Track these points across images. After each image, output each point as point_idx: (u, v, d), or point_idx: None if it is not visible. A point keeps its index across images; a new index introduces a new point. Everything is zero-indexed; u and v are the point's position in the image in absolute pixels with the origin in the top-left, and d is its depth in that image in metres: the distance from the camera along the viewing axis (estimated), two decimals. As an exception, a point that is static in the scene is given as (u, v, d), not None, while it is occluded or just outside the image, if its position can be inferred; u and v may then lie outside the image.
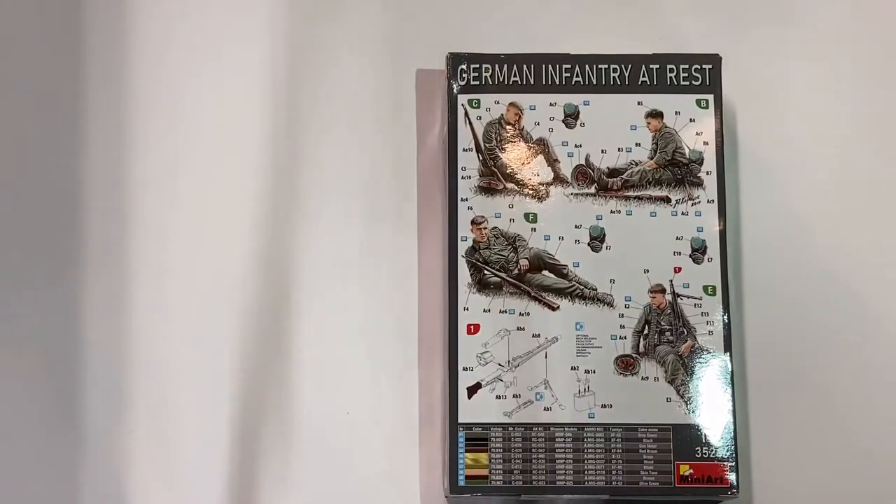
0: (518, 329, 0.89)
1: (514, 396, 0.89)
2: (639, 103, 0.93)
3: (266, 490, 0.90)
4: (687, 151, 0.93)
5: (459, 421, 0.88)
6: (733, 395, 0.89)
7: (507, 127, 0.92)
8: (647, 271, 0.91)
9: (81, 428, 0.90)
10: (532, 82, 0.93)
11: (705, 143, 0.93)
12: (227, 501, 0.89)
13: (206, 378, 0.90)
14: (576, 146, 0.92)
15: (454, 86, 0.92)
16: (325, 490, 0.90)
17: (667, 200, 0.92)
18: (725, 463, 0.88)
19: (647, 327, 0.90)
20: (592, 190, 0.92)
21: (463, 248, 0.91)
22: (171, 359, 0.91)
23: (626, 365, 0.89)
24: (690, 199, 0.92)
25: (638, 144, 0.93)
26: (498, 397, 0.89)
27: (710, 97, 0.93)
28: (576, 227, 0.91)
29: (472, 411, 0.89)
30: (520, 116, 0.93)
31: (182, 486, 0.90)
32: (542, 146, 0.92)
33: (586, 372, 0.89)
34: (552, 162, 0.92)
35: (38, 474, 0.89)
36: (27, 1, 0.95)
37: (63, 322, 0.91)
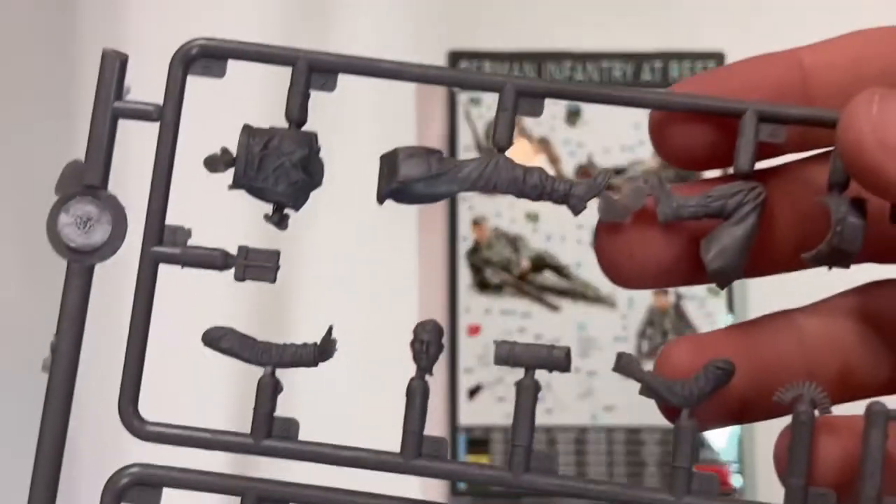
0: (519, 330, 0.88)
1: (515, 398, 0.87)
2: (643, 101, 0.92)
3: None
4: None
5: (460, 423, 0.87)
6: (738, 399, 0.88)
7: (509, 125, 0.91)
8: (650, 272, 0.89)
9: (79, 428, 0.88)
10: (534, 79, 0.92)
11: (710, 142, 0.92)
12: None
13: (204, 379, 0.89)
14: (578, 145, 0.91)
15: (455, 83, 0.91)
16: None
17: (671, 200, 0.90)
18: (729, 466, 0.87)
19: (649, 328, 0.89)
20: (595, 189, 0.90)
21: (463, 248, 0.89)
22: (168, 361, 0.90)
23: (628, 367, 0.88)
24: (695, 198, 0.91)
25: (641, 143, 0.91)
26: (499, 399, 0.88)
27: (715, 95, 0.92)
28: (578, 226, 0.90)
29: (472, 413, 0.87)
30: (522, 114, 0.91)
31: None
32: (543, 145, 0.91)
33: (588, 374, 0.88)
34: (554, 161, 0.91)
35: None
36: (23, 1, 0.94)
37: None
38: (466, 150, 0.91)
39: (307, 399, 0.89)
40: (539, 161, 0.91)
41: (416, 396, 0.25)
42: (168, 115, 0.26)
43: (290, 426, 0.25)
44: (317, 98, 0.92)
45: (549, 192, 0.26)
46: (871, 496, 0.24)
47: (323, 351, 0.25)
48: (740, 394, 0.26)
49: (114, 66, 0.26)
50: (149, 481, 0.24)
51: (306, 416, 0.90)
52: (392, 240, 0.93)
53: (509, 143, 0.26)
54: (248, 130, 0.25)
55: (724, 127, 0.26)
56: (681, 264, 0.27)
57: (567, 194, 0.26)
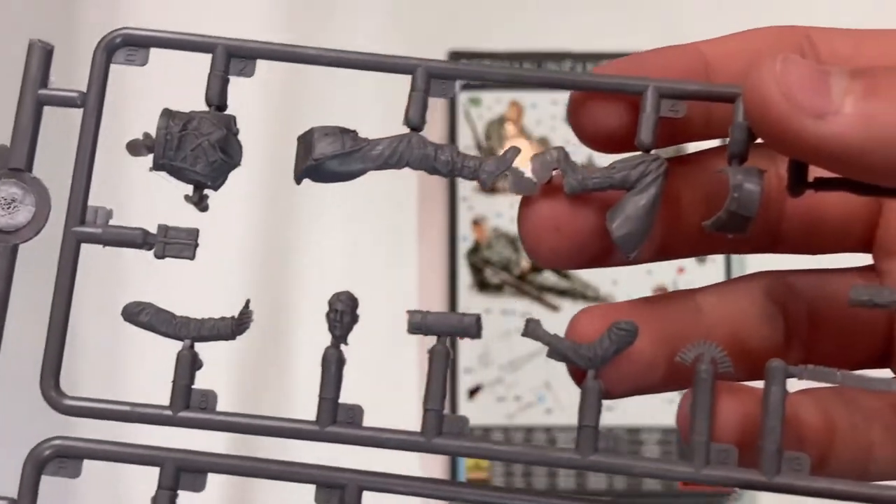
0: (519, 330, 0.88)
1: (515, 398, 0.88)
2: (640, 100, 0.92)
3: (265, 491, 0.89)
4: (690, 149, 0.91)
5: (460, 423, 0.87)
6: (738, 396, 0.87)
7: (508, 125, 0.92)
8: (649, 272, 0.89)
9: (77, 423, 0.89)
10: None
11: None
12: (225, 499, 0.89)
13: (203, 380, 0.90)
14: (577, 145, 0.91)
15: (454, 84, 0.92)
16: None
17: (670, 198, 0.91)
18: (731, 465, 0.87)
19: (650, 327, 0.89)
20: (594, 189, 0.91)
21: (463, 248, 0.90)
22: (168, 358, 0.91)
23: (629, 366, 0.88)
24: (694, 196, 0.91)
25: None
26: (499, 399, 0.88)
27: (713, 93, 0.92)
28: (577, 226, 0.90)
29: (473, 413, 0.88)
30: (521, 114, 0.92)
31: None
32: (543, 145, 0.91)
33: (588, 373, 0.88)
34: (553, 161, 0.91)
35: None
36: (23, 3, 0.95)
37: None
38: (466, 150, 0.91)
39: (308, 396, 0.90)
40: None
41: (332, 365, 0.26)
42: (91, 102, 0.26)
43: (209, 398, 0.25)
44: (317, 95, 0.92)
45: (460, 168, 0.27)
46: (772, 450, 0.24)
47: (240, 324, 0.26)
48: (648, 359, 0.27)
49: (40, 56, 0.27)
50: (69, 453, 0.25)
51: (307, 412, 0.90)
52: (391, 239, 0.93)
53: (422, 123, 0.27)
54: (167, 113, 0.26)
55: (637, 109, 0.27)
56: (600, 239, 0.27)
57: (477, 170, 0.27)
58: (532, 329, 0.26)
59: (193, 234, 0.26)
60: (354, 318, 0.26)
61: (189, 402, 0.25)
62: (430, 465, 0.88)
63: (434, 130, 0.94)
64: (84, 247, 0.27)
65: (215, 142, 0.26)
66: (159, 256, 0.26)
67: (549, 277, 0.90)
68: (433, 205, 0.94)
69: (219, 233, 0.97)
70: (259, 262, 0.93)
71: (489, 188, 0.27)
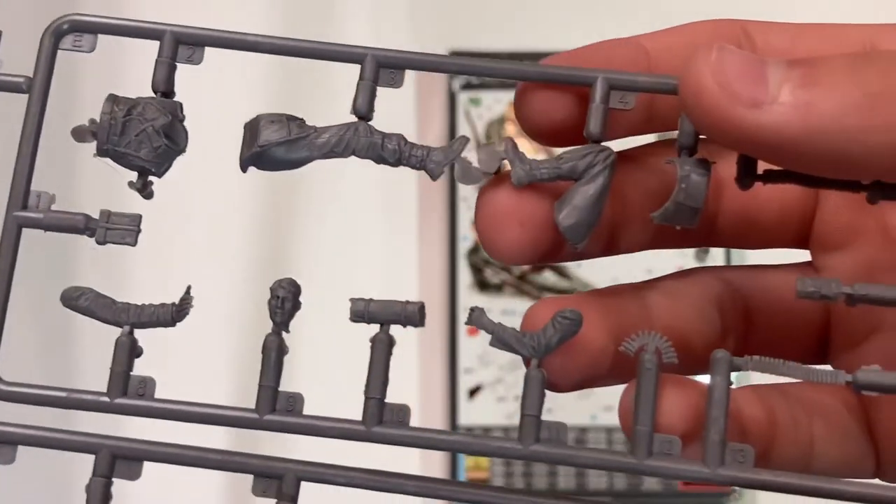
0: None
1: (515, 398, 0.87)
2: (642, 100, 0.91)
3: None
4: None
5: (460, 423, 0.87)
6: (738, 398, 0.87)
7: (509, 125, 0.91)
8: (649, 271, 0.89)
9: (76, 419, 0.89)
10: (535, 80, 0.91)
11: (710, 140, 0.91)
12: (223, 497, 0.88)
13: (203, 382, 0.90)
14: (579, 144, 0.91)
15: (454, 84, 0.92)
16: (324, 491, 0.89)
17: (671, 199, 0.90)
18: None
19: (650, 328, 0.89)
20: (595, 188, 0.90)
21: (463, 248, 0.89)
22: (168, 359, 0.91)
23: (629, 366, 0.88)
24: (696, 197, 0.90)
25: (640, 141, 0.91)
26: (499, 399, 0.88)
27: (716, 93, 0.91)
28: (578, 226, 0.89)
29: (473, 413, 0.87)
30: (522, 114, 0.91)
31: (180, 482, 0.89)
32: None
33: (588, 373, 0.88)
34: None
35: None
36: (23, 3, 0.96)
37: (57, 319, 0.91)
38: (466, 150, 0.91)
39: (306, 396, 0.90)
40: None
41: (272, 352, 0.26)
42: (37, 88, 0.26)
43: (147, 384, 0.25)
44: (317, 96, 0.92)
45: (408, 157, 0.27)
46: (716, 441, 0.24)
47: (180, 310, 0.25)
48: (595, 349, 0.26)
49: (-14, 40, 0.26)
50: (3, 439, 0.25)
51: (306, 412, 0.90)
52: (392, 239, 0.93)
53: (370, 112, 0.27)
54: (112, 99, 0.26)
55: (583, 101, 0.27)
56: (555, 232, 0.27)
57: (424, 159, 0.27)
58: (476, 317, 0.26)
59: (136, 219, 0.25)
60: (296, 305, 0.26)
61: (127, 389, 0.25)
62: (431, 465, 0.88)
63: (434, 130, 0.94)
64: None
65: (160, 127, 0.25)
66: (101, 242, 0.25)
67: (548, 277, 0.90)
68: (433, 205, 0.93)
69: (221, 233, 0.97)
70: (258, 261, 0.93)
71: (437, 178, 0.27)
